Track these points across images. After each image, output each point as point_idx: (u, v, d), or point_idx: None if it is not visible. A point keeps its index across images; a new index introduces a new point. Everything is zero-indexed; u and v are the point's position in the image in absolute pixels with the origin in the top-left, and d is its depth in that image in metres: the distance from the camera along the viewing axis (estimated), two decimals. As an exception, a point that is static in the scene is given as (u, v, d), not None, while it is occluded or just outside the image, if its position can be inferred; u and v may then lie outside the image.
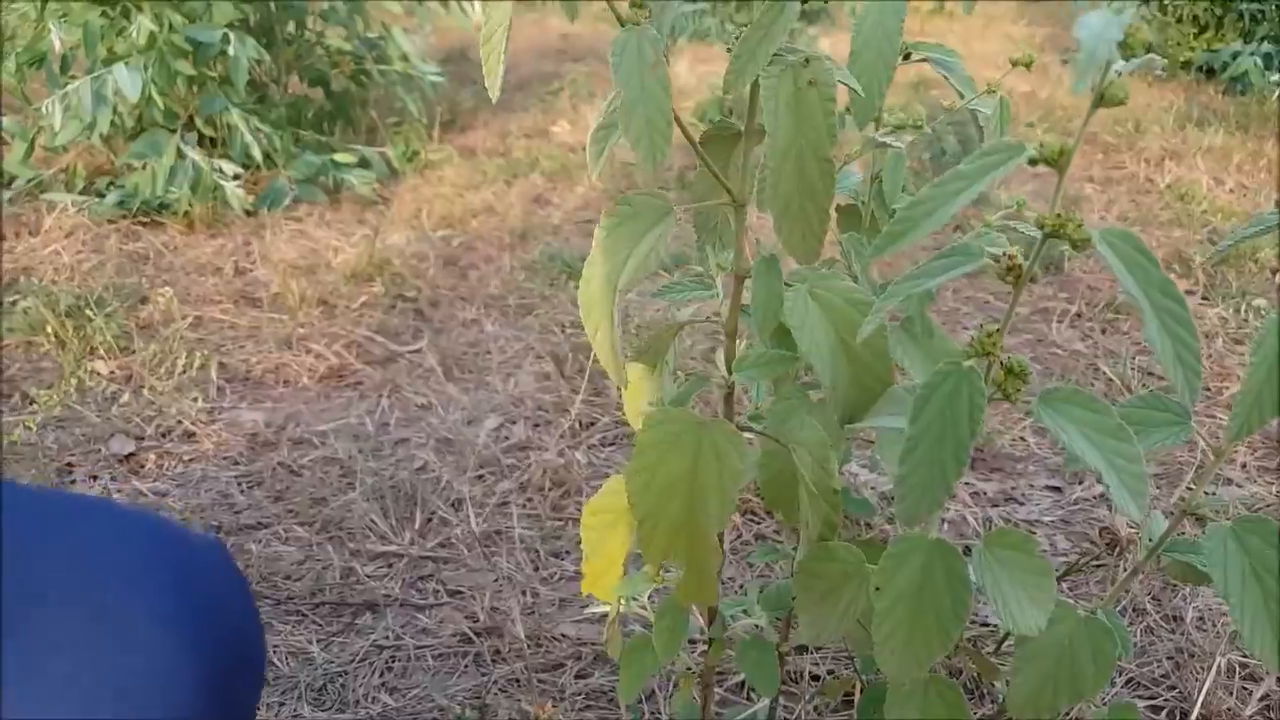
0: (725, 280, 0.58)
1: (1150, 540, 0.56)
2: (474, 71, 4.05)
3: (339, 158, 2.61)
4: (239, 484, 1.38)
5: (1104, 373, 1.58)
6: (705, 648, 0.74)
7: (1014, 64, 0.65)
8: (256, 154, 2.43)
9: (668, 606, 0.60)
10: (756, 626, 0.62)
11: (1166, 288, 0.35)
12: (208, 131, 2.58)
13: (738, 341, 0.60)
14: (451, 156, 2.86)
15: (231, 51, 2.31)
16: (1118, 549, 1.15)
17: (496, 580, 1.19)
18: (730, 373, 0.56)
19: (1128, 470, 0.44)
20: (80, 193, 2.47)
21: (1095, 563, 1.12)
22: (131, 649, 0.47)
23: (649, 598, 0.65)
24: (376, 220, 2.45)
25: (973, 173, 0.35)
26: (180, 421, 1.50)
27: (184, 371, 1.64)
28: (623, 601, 0.62)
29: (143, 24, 2.27)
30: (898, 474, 0.42)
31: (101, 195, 2.46)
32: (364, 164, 2.68)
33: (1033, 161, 0.35)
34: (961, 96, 0.69)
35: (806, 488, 0.59)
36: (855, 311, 0.53)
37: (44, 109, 2.25)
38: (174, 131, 2.44)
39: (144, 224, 2.35)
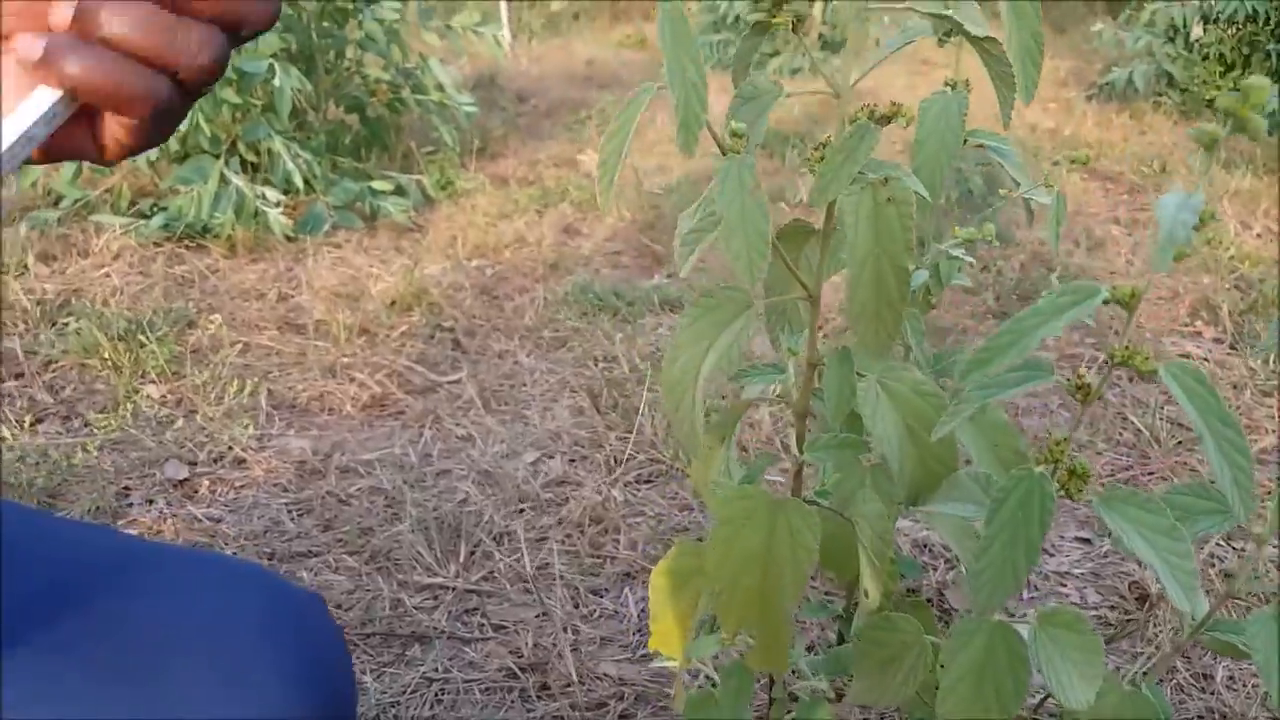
0: (796, 364, 0.62)
1: (1194, 620, 0.59)
2: (503, 97, 4.12)
3: (376, 185, 2.68)
4: (289, 511, 1.43)
5: (1132, 422, 1.61)
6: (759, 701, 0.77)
7: (1073, 162, 0.68)
8: (298, 181, 2.50)
9: (735, 668, 0.64)
10: (816, 689, 0.66)
11: (1226, 418, 0.39)
12: (250, 157, 2.65)
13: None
14: (484, 185, 2.92)
15: (277, 82, 2.38)
16: (1148, 604, 1.17)
17: (539, 616, 1.23)
18: (801, 452, 0.60)
19: (1180, 567, 0.48)
20: (125, 213, 2.55)
21: (1126, 617, 1.15)
22: (249, 697, 0.52)
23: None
24: (412, 247, 2.51)
25: (1049, 310, 0.39)
26: (231, 448, 1.55)
27: (234, 398, 1.69)
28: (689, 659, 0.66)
29: (193, 54, 2.34)
30: (973, 569, 0.46)
31: (146, 217, 2.53)
32: (399, 191, 2.75)
33: (1105, 302, 0.39)
34: (1016, 184, 0.73)
35: (867, 557, 0.63)
36: (923, 402, 0.57)
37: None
38: (218, 157, 2.51)
39: (188, 247, 2.42)
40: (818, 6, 4.90)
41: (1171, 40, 3.91)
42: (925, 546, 1.31)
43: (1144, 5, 4.08)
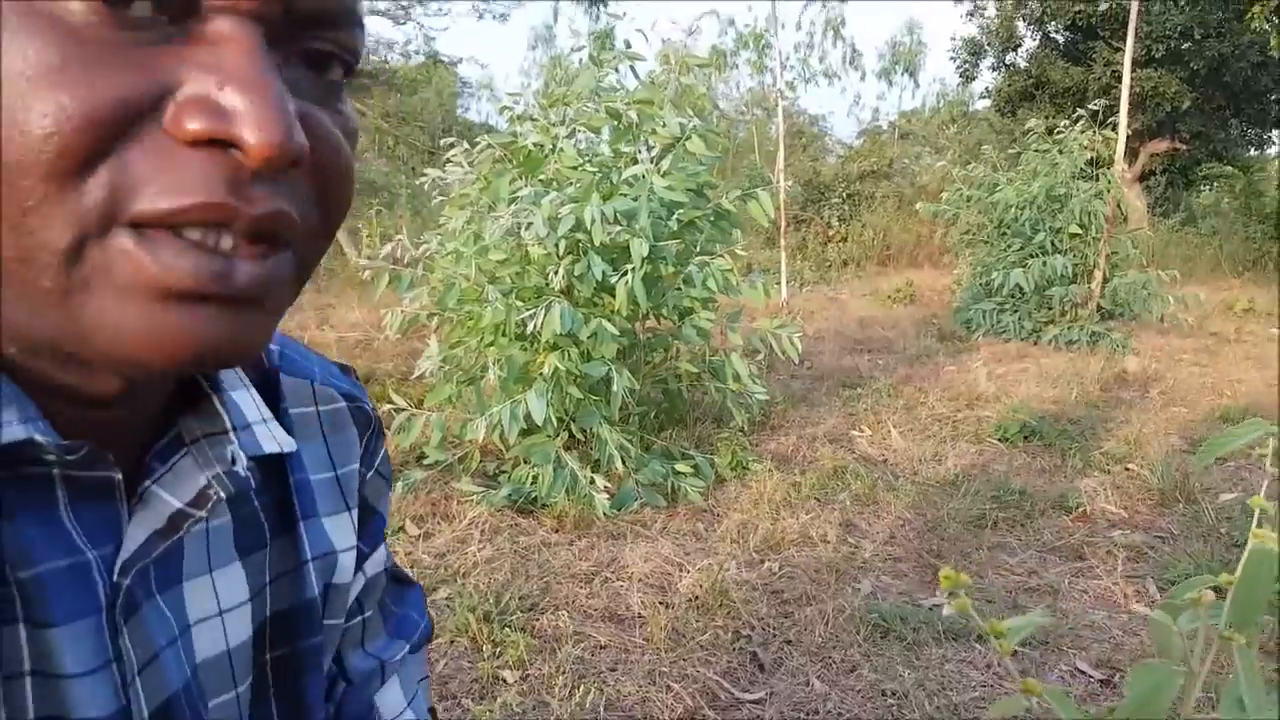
0: None
1: None
2: (779, 366, 4.52)
3: (679, 467, 3.06)
4: (623, 833, 1.66)
5: None
6: None
7: None
8: (619, 465, 2.93)
9: None
10: None
11: None
12: (578, 434, 3.15)
13: None
14: (770, 470, 3.22)
15: (615, 387, 2.87)
16: None
17: None
18: None
19: None
20: (474, 474, 3.10)
21: None
22: None
23: None
24: (707, 532, 2.81)
25: None
26: (576, 754, 1.84)
27: (577, 700, 2.00)
28: None
29: (551, 360, 2.90)
30: None
31: (492, 478, 3.06)
32: (697, 471, 3.11)
33: None
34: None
35: None
36: None
37: (473, 427, 2.91)
38: (553, 437, 3.02)
39: (523, 513, 2.89)
40: (1097, 279, 4.94)
41: None
42: None
43: None
